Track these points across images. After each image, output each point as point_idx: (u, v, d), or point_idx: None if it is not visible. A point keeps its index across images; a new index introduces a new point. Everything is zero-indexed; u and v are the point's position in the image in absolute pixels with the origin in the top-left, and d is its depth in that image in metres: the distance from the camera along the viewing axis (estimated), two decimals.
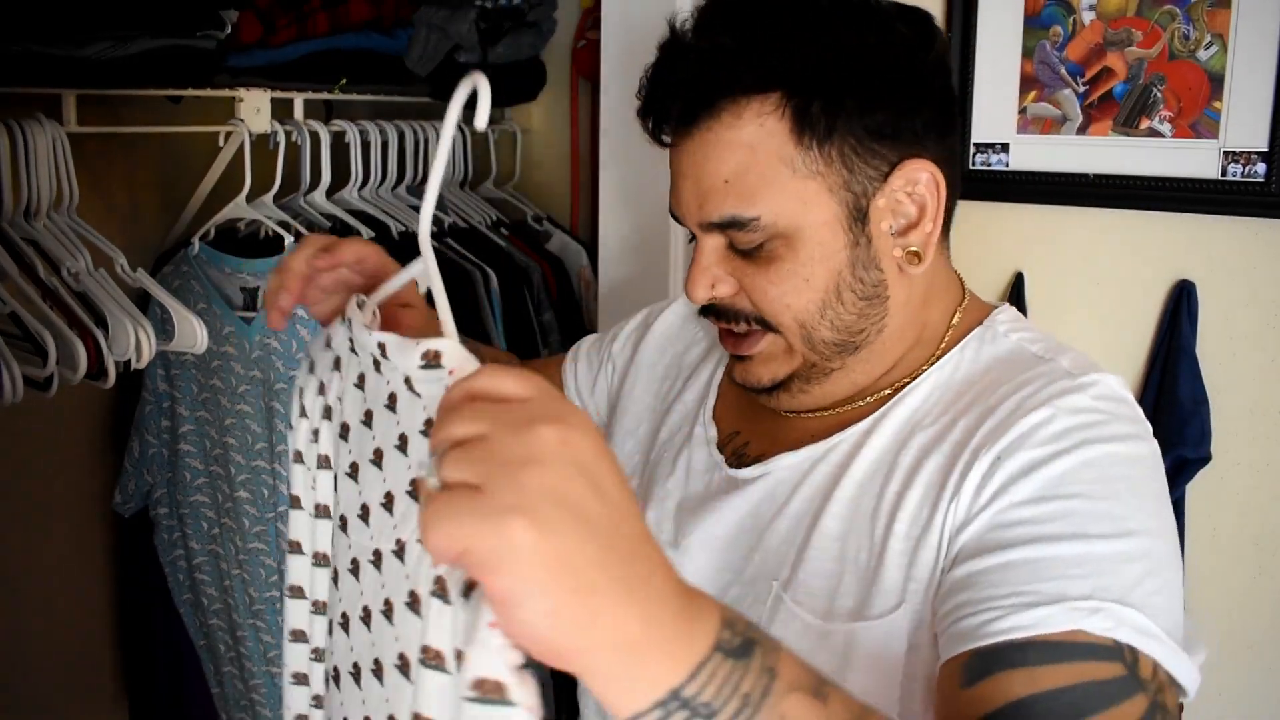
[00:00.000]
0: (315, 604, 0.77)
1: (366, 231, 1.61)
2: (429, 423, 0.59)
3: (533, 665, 0.45)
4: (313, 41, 1.60)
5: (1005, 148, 1.38)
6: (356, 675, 0.68)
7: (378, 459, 0.66)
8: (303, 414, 0.77)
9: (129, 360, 1.25)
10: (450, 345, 0.56)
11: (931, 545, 0.74)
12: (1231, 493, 1.30)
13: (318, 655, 0.78)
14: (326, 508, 0.76)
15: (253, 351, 1.53)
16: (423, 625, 0.51)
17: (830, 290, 0.80)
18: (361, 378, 0.70)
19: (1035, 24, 1.34)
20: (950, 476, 0.75)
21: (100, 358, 1.22)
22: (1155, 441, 0.77)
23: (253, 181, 1.51)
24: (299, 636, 0.78)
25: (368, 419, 0.68)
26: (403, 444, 0.63)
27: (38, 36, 1.23)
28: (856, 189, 0.78)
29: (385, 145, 1.71)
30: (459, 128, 1.84)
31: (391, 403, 0.64)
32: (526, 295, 1.75)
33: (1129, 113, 1.31)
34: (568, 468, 0.44)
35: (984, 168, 1.39)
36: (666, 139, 0.83)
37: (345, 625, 0.70)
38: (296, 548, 0.77)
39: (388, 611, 0.63)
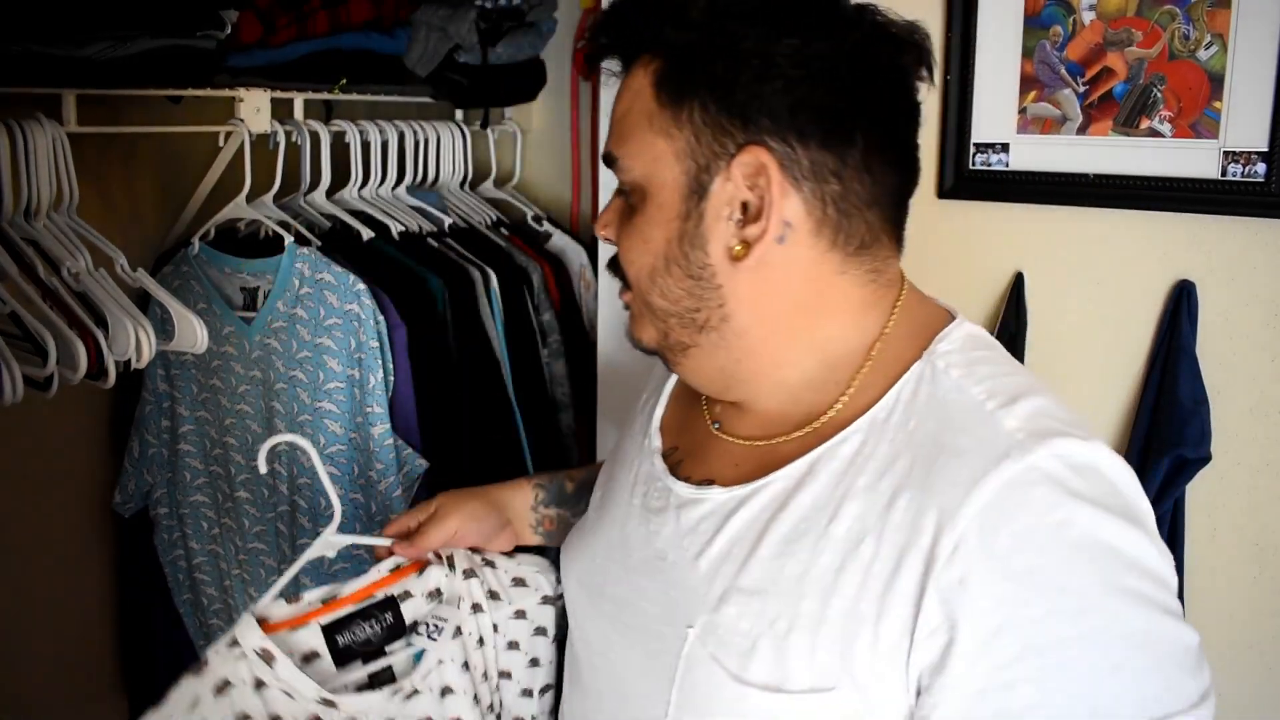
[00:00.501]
0: None
1: (366, 232, 1.61)
2: None
3: None
4: (313, 41, 1.60)
5: (1005, 148, 1.38)
6: None
7: None
8: None
9: (129, 360, 1.25)
10: None
11: (889, 651, 0.69)
12: (1232, 493, 1.30)
13: None
14: None
15: (253, 351, 1.53)
16: None
17: (660, 256, 0.80)
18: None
19: (1035, 24, 1.34)
20: (899, 581, 0.69)
21: (100, 358, 1.22)
22: (1129, 506, 0.69)
23: (253, 181, 1.51)
24: None
25: None
26: None
27: (38, 36, 1.23)
28: (701, 161, 0.77)
29: (385, 145, 1.71)
30: (459, 127, 1.84)
31: None
32: (526, 295, 1.75)
33: (1129, 113, 1.31)
34: None
35: (984, 168, 1.39)
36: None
37: None
38: None
39: None
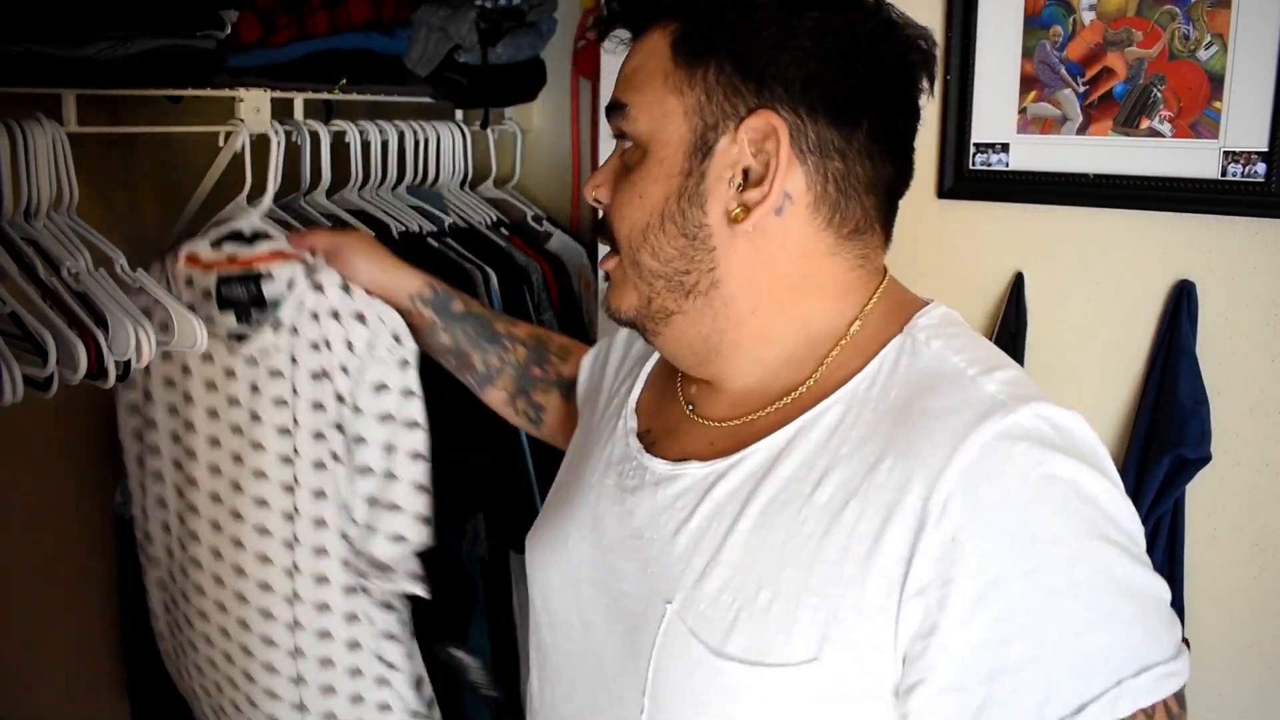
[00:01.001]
0: None
1: (367, 231, 1.61)
2: None
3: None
4: (313, 41, 1.60)
5: (1005, 148, 1.38)
6: None
7: None
8: None
9: (129, 360, 1.25)
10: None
11: (873, 614, 0.69)
12: (1232, 493, 1.30)
13: None
14: None
15: None
16: None
17: (656, 213, 0.80)
18: None
19: (1035, 24, 1.35)
20: (885, 542, 0.69)
21: (100, 358, 1.22)
22: (1102, 464, 0.71)
23: (253, 181, 1.51)
24: None
25: None
26: None
27: (38, 36, 1.23)
28: (709, 119, 0.78)
29: (385, 145, 1.71)
30: (459, 127, 1.84)
31: None
32: (527, 295, 1.75)
33: (1129, 113, 1.31)
34: None
35: (984, 168, 1.39)
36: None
37: None
38: None
39: None
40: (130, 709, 1.70)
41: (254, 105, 1.48)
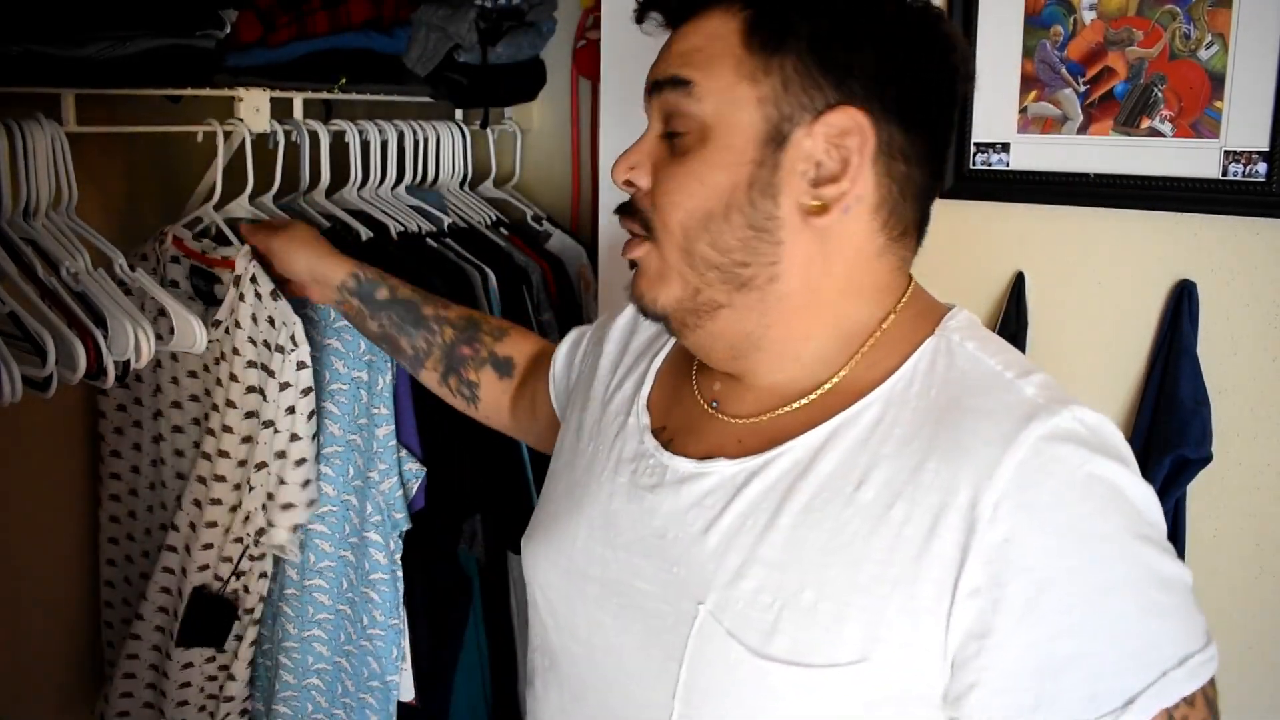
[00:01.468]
0: None
1: (366, 232, 1.61)
2: None
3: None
4: (312, 41, 1.59)
5: (1005, 147, 1.38)
6: None
7: None
8: None
9: (128, 360, 1.25)
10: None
11: (923, 615, 0.69)
12: (1232, 493, 1.30)
13: None
14: None
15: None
16: None
17: (720, 201, 0.77)
18: None
19: (1036, 23, 1.34)
20: (934, 544, 0.70)
21: (100, 358, 1.22)
22: (1132, 463, 0.73)
23: (253, 181, 1.51)
24: None
25: None
26: None
27: (37, 36, 1.23)
28: (785, 110, 0.76)
29: (385, 145, 1.71)
30: (459, 127, 1.84)
31: None
32: (526, 295, 1.75)
33: (1130, 112, 1.31)
34: None
35: (984, 168, 1.39)
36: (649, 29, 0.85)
37: None
38: None
39: None
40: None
41: (254, 105, 1.48)
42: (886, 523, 0.72)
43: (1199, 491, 1.30)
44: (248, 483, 1.42)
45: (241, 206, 1.52)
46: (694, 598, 0.77)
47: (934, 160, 0.81)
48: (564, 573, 0.89)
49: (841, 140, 0.76)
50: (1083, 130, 1.33)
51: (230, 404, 1.42)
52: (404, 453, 1.50)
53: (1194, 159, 1.27)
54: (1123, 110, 1.31)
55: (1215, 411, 1.28)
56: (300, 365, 1.39)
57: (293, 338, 1.38)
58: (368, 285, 1.30)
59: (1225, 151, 1.26)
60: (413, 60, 1.73)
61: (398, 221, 1.67)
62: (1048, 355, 1.37)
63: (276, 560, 1.49)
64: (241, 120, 1.48)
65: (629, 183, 0.82)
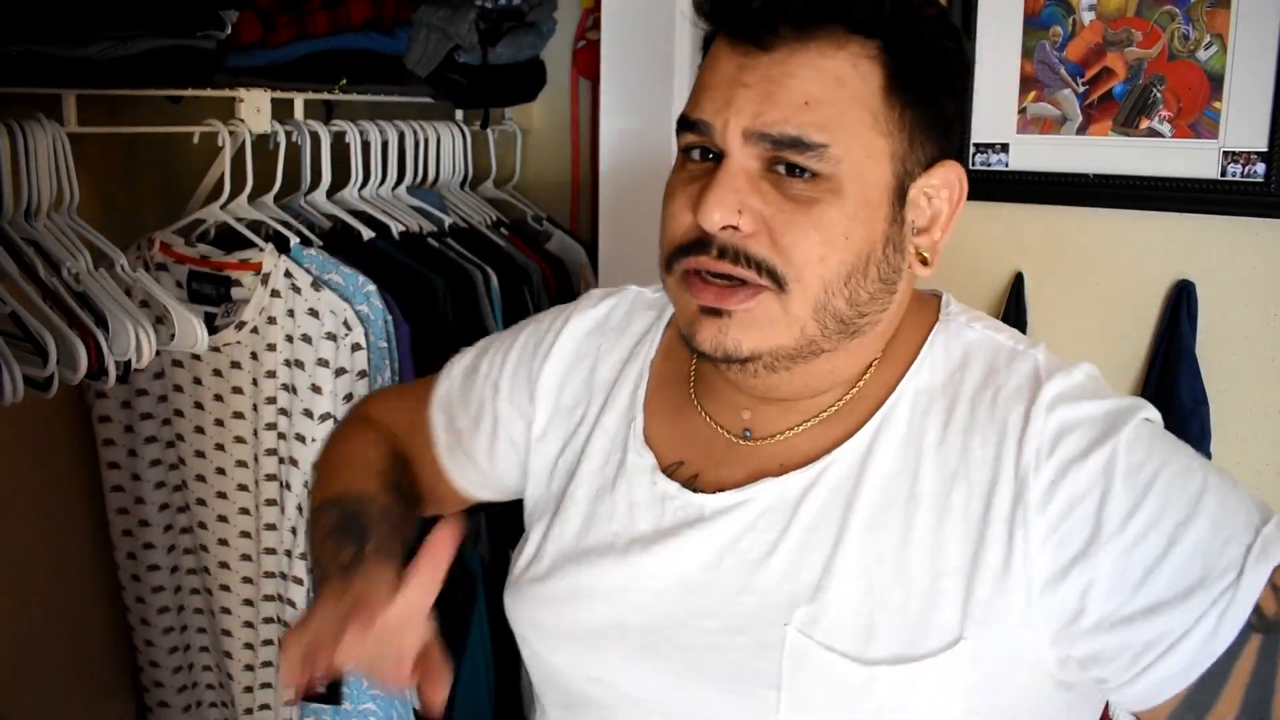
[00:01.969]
0: None
1: (367, 232, 1.61)
2: None
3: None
4: (313, 41, 1.60)
5: (1005, 148, 1.38)
6: None
7: None
8: None
9: (129, 360, 1.25)
10: None
11: (999, 582, 0.71)
12: None
13: None
14: None
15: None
16: None
17: (862, 257, 0.74)
18: None
19: (1035, 24, 1.35)
20: (996, 510, 0.72)
21: (101, 358, 1.22)
22: (1130, 398, 0.78)
23: (254, 181, 1.51)
24: None
25: None
26: None
27: (38, 36, 1.23)
28: (909, 166, 0.75)
29: (385, 145, 1.71)
30: (459, 127, 1.84)
31: None
32: (526, 295, 1.75)
33: (1129, 113, 1.31)
34: None
35: (984, 168, 1.39)
36: (739, 35, 0.73)
37: None
38: None
39: None
40: (136, 704, 1.70)
41: (254, 105, 1.49)
42: (950, 509, 0.74)
43: None
44: (286, 484, 1.44)
45: (242, 206, 1.53)
46: (776, 621, 0.75)
47: None
48: (585, 634, 0.83)
49: (937, 191, 0.78)
50: (1082, 131, 1.34)
51: (270, 400, 1.44)
52: None
53: (1193, 159, 1.28)
54: (1122, 111, 1.31)
55: (1214, 411, 1.28)
56: (355, 348, 1.42)
57: (345, 322, 1.41)
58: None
59: (1224, 152, 1.26)
60: (413, 61, 1.73)
61: (399, 222, 1.67)
62: None
63: None
64: (242, 121, 1.48)
65: (734, 225, 0.73)
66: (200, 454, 1.54)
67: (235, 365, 1.48)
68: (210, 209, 1.50)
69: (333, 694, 1.42)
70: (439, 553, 0.76)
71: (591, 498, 0.87)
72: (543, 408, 0.93)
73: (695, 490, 0.81)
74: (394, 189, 1.75)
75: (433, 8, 1.72)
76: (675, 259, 0.76)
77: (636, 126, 1.62)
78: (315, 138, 1.60)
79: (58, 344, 1.19)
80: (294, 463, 1.44)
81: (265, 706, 1.54)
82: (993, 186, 1.39)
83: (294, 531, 1.46)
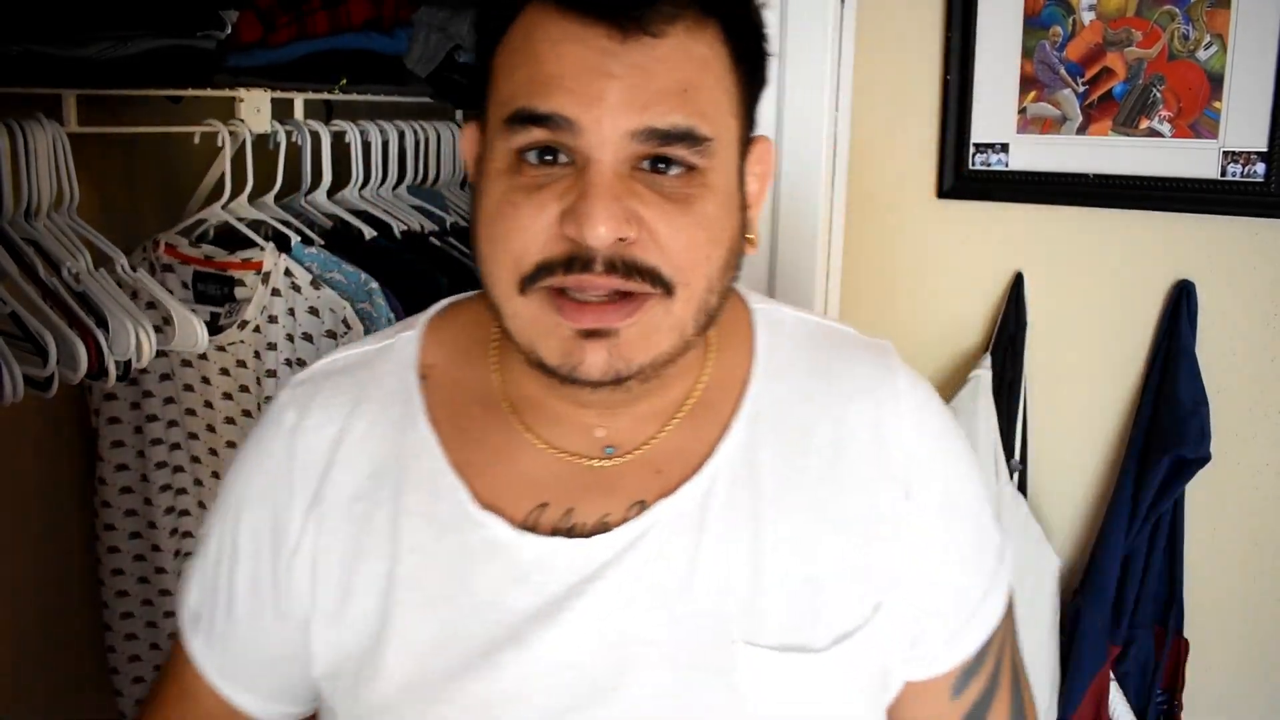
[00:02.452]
0: None
1: (369, 231, 1.61)
2: None
3: None
4: (313, 41, 1.60)
5: (1005, 148, 1.38)
6: None
7: None
8: None
9: (129, 360, 1.26)
10: None
11: (894, 538, 0.75)
12: (1231, 493, 1.30)
13: None
14: None
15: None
16: None
17: (732, 250, 0.69)
18: None
19: (1035, 24, 1.34)
20: (884, 467, 0.75)
21: (101, 358, 1.22)
22: None
23: (254, 181, 1.52)
24: None
25: None
26: None
27: (38, 36, 1.23)
28: (744, 146, 0.70)
29: (385, 145, 1.71)
30: (459, 127, 1.84)
31: None
32: None
33: (1129, 113, 1.31)
34: None
35: (984, 168, 1.39)
36: (602, 15, 0.64)
37: None
38: None
39: None
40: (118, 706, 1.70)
41: (254, 105, 1.49)
42: (840, 477, 0.74)
43: (1197, 491, 1.30)
44: None
45: (242, 207, 1.53)
46: (722, 638, 0.71)
47: None
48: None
49: (752, 169, 0.73)
50: (1082, 130, 1.34)
51: (271, 399, 1.46)
52: None
53: (1192, 159, 1.27)
54: (1121, 110, 1.31)
55: (1213, 411, 1.28)
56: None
57: (344, 321, 1.41)
58: None
59: (1224, 152, 1.26)
60: (413, 61, 1.74)
61: (400, 221, 1.67)
62: (1047, 355, 1.37)
63: None
64: (242, 121, 1.48)
65: (624, 237, 0.64)
66: (214, 452, 1.54)
67: (240, 364, 1.49)
68: (212, 209, 1.51)
69: None
70: None
71: (429, 602, 0.72)
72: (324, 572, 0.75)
73: (574, 533, 0.72)
74: (394, 189, 1.76)
75: (433, 8, 1.72)
76: (535, 279, 0.65)
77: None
78: (315, 138, 1.60)
79: (58, 344, 1.19)
80: None
81: None
82: (992, 186, 1.39)
83: None
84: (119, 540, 1.60)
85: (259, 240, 1.48)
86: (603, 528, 0.72)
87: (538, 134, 0.64)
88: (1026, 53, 1.35)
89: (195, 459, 1.57)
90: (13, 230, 1.25)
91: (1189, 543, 1.31)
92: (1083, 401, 1.36)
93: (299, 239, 1.50)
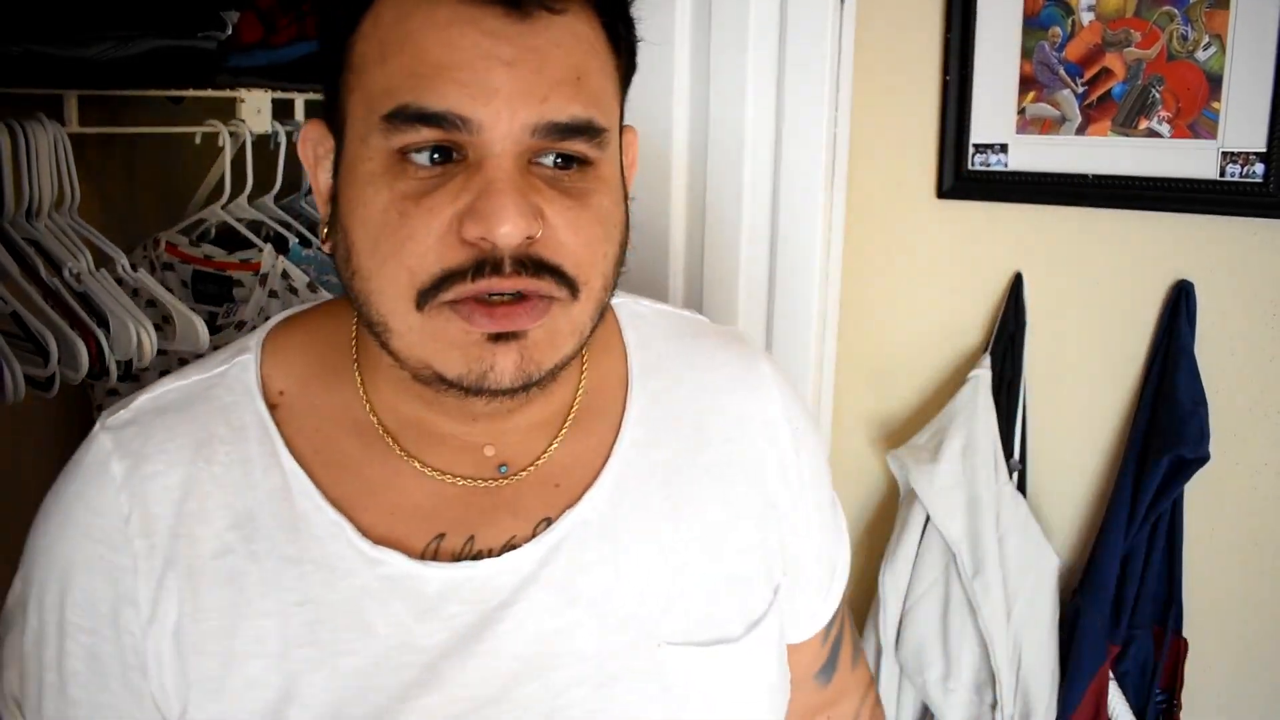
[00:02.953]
0: None
1: None
2: None
3: None
4: (313, 42, 1.60)
5: (1004, 148, 1.38)
6: None
7: None
8: None
9: (130, 360, 1.26)
10: None
11: (782, 520, 0.79)
12: (1230, 493, 1.30)
13: None
14: None
15: None
16: None
17: (622, 246, 0.66)
18: None
19: (1034, 24, 1.35)
20: (761, 460, 0.78)
21: (102, 357, 1.23)
22: None
23: (254, 182, 1.52)
24: None
25: None
26: None
27: (39, 37, 1.24)
28: (619, 132, 0.67)
29: None
30: None
31: None
32: None
33: (1128, 113, 1.31)
34: None
35: (983, 168, 1.39)
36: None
37: None
38: None
39: None
40: None
41: (255, 106, 1.49)
42: (730, 466, 0.76)
43: (1197, 491, 1.30)
44: None
45: (242, 207, 1.53)
46: (649, 643, 0.69)
47: None
48: None
49: (625, 159, 0.70)
50: (1081, 131, 1.34)
51: None
52: None
53: (1191, 160, 1.28)
54: (1121, 111, 1.31)
55: (1213, 411, 1.28)
56: None
57: None
58: None
59: (1223, 152, 1.26)
60: None
61: None
62: (1046, 355, 1.38)
63: None
64: (243, 121, 1.48)
65: (531, 236, 0.60)
66: None
67: None
68: (212, 209, 1.51)
69: None
70: None
71: (330, 657, 0.64)
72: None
73: (484, 552, 0.67)
74: None
75: None
76: (436, 292, 0.59)
77: (633, 125, 1.62)
78: None
79: (59, 344, 1.19)
80: None
81: None
82: (992, 186, 1.39)
83: None
84: None
85: (257, 241, 1.48)
86: (511, 549, 0.67)
87: (427, 134, 0.58)
88: (1025, 53, 1.36)
89: None
90: (14, 230, 1.26)
91: (1188, 542, 1.31)
92: (1082, 401, 1.37)
93: (297, 241, 1.51)
